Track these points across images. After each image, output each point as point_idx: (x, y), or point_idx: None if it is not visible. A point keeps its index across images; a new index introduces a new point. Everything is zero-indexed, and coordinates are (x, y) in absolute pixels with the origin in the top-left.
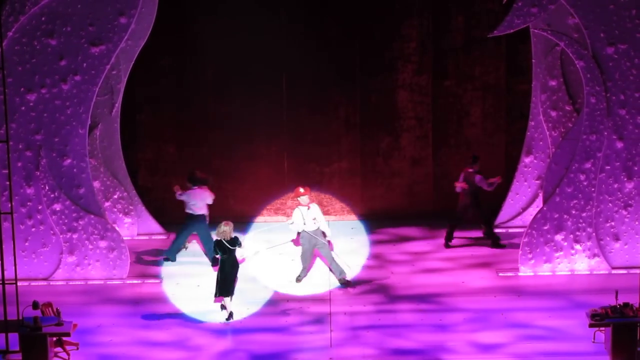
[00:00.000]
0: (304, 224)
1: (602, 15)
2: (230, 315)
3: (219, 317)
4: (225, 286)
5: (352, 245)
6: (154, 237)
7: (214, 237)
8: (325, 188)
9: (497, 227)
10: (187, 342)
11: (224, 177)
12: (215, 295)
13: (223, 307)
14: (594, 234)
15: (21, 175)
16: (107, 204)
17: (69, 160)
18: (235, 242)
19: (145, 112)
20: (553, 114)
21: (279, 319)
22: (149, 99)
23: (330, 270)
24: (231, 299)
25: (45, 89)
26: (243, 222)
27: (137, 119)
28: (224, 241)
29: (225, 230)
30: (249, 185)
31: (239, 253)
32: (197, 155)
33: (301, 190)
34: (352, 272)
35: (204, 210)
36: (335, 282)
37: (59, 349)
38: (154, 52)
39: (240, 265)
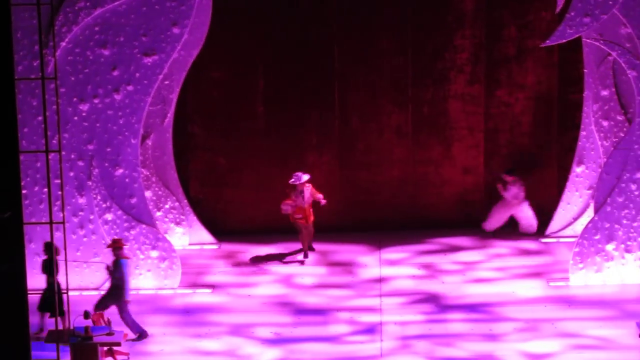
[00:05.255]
0: None
1: None
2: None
3: (269, 327)
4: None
5: (403, 254)
6: (205, 247)
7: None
8: (376, 197)
9: (549, 236)
10: (237, 352)
11: (276, 186)
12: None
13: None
14: None
15: (73, 185)
16: (158, 213)
17: (121, 170)
18: None
19: (196, 122)
20: (605, 123)
21: (330, 329)
22: (200, 109)
23: None
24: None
25: (97, 99)
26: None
27: (188, 129)
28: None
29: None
30: None
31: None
32: (248, 165)
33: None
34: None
35: None
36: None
37: (109, 359)
38: (206, 63)
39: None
